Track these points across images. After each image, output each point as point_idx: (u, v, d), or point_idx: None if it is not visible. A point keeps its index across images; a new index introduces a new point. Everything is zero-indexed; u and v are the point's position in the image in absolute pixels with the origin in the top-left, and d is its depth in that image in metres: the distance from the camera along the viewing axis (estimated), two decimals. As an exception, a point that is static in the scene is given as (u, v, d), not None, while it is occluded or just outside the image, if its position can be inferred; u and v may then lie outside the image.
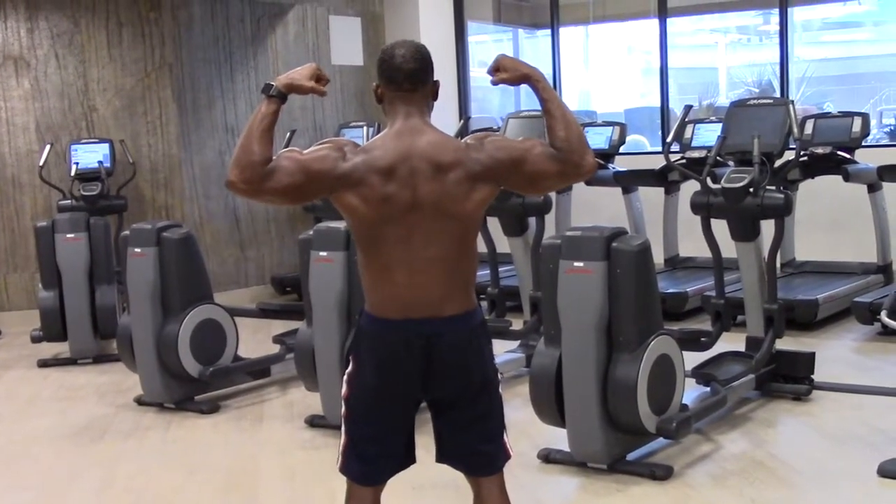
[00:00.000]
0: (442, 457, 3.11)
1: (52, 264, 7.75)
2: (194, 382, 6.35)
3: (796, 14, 10.52)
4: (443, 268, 2.92)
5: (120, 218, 9.02)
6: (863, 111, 8.29)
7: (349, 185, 2.86)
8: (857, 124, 7.87)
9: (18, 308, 9.25)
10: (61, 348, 7.92)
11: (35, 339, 7.88)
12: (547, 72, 11.31)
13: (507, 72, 3.05)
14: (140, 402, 6.45)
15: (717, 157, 6.14)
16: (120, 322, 6.82)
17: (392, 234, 2.89)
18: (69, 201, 8.84)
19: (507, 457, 3.11)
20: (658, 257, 6.63)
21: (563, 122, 2.95)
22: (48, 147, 9.01)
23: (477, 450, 3.07)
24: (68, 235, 7.72)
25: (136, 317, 6.34)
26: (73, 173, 8.92)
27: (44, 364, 7.75)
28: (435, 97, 3.04)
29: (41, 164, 8.94)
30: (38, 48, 9.31)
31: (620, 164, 8.86)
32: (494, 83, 3.10)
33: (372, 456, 3.03)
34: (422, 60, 2.99)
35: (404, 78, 2.96)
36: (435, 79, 3.04)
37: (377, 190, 2.85)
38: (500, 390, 3.10)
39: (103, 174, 8.90)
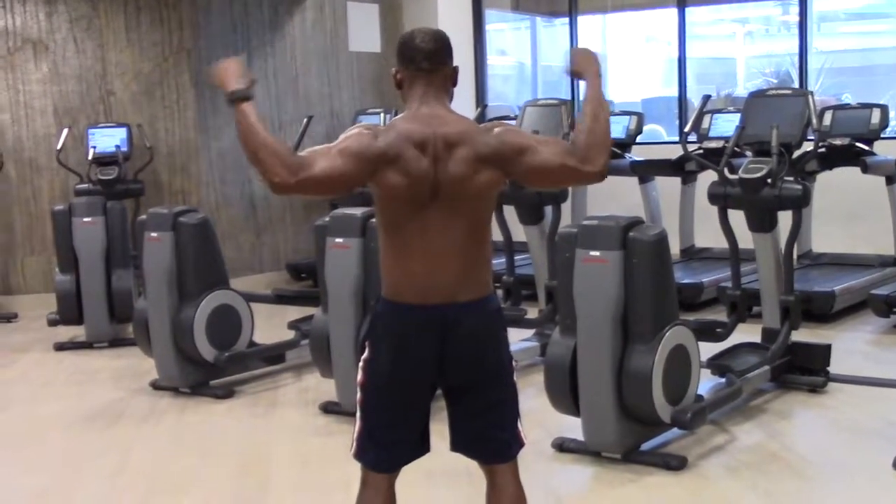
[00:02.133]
0: (456, 445, 3.11)
1: (69, 248, 7.77)
2: (209, 367, 6.37)
3: (815, 4, 10.45)
4: (459, 254, 2.93)
5: (137, 202, 9.05)
6: (882, 103, 8.24)
7: (388, 160, 2.85)
8: (875, 116, 7.83)
9: (35, 291, 9.29)
10: (77, 332, 7.95)
11: (51, 323, 7.91)
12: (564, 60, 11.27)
13: (580, 66, 3.06)
14: (155, 386, 6.48)
15: (735, 148, 6.12)
16: (136, 306, 6.84)
17: (415, 219, 2.89)
18: (86, 185, 8.88)
19: (520, 445, 3.12)
20: (674, 247, 6.60)
21: (593, 123, 2.93)
22: (66, 131, 9.04)
23: (491, 437, 3.07)
24: (85, 219, 7.74)
25: (152, 301, 6.36)
26: (90, 157, 8.95)
27: (60, 347, 7.78)
28: (454, 83, 3.05)
29: (59, 147, 8.97)
30: (56, 32, 9.33)
31: (637, 154, 8.85)
32: (572, 76, 3.12)
33: (387, 442, 3.03)
34: (441, 42, 3.00)
35: (423, 57, 2.96)
36: (454, 65, 3.04)
37: (414, 164, 2.85)
38: (515, 378, 3.10)
39: (120, 158, 8.92)
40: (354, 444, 3.07)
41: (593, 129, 2.92)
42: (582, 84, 3.08)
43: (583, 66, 3.06)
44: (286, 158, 2.79)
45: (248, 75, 2.90)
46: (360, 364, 3.06)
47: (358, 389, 3.06)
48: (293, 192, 2.85)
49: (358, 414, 3.07)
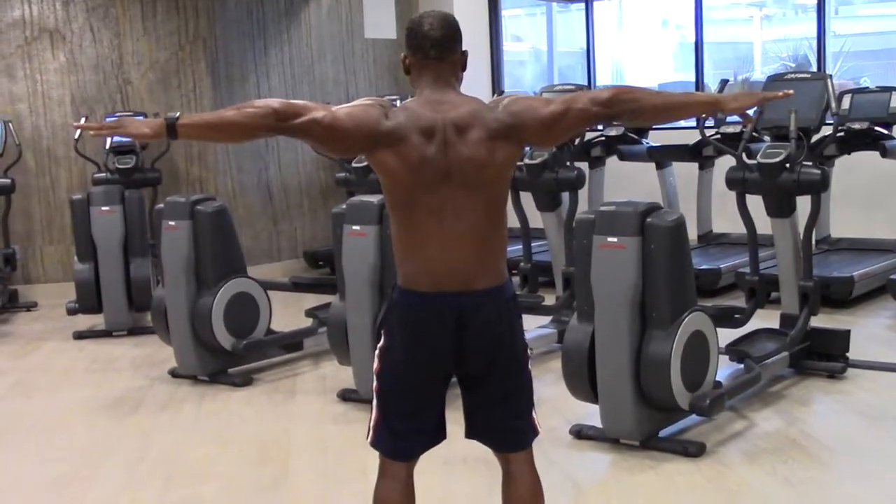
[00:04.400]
0: (471, 433, 3.11)
1: (88, 237, 7.81)
2: (228, 355, 6.39)
3: (834, -13, 10.36)
4: (475, 240, 2.91)
5: (154, 191, 9.07)
6: (901, 86, 8.17)
7: (392, 141, 2.85)
8: (895, 99, 7.77)
9: (54, 280, 9.33)
10: (96, 320, 7.99)
11: (70, 312, 7.95)
12: (580, 45, 11.26)
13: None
14: (174, 374, 6.50)
15: (753, 133, 6.09)
16: (154, 295, 6.87)
17: (426, 204, 2.88)
18: (104, 174, 8.91)
19: (535, 433, 3.11)
20: (692, 233, 6.58)
21: (675, 101, 3.04)
22: (83, 120, 9.06)
23: (506, 426, 3.07)
24: (103, 208, 7.77)
25: (170, 289, 6.37)
26: (107, 146, 8.97)
27: (79, 336, 7.83)
28: (463, 68, 3.03)
29: (76, 137, 8.99)
30: (73, 21, 9.34)
31: (654, 140, 8.81)
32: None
33: (404, 431, 3.03)
34: (449, 28, 2.98)
35: (431, 45, 2.95)
36: (464, 49, 3.02)
37: (417, 150, 2.85)
38: (531, 366, 3.09)
39: (138, 147, 8.94)
40: (371, 432, 3.07)
41: (668, 101, 3.02)
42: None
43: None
44: (270, 108, 2.85)
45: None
46: (376, 352, 3.06)
47: (374, 377, 3.06)
48: (287, 133, 2.90)
49: (374, 402, 3.07)
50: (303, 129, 2.88)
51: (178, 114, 2.91)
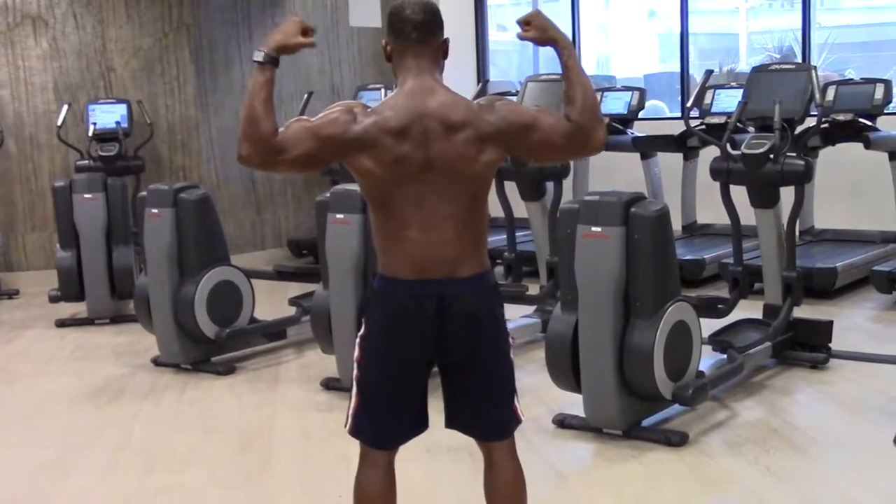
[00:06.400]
0: (452, 422, 3.09)
1: (70, 224, 7.77)
2: (210, 344, 6.37)
3: (819, -21, 10.40)
4: (455, 228, 2.89)
5: (137, 179, 9.04)
6: (885, 78, 8.19)
7: (361, 147, 2.83)
8: (879, 91, 7.79)
9: (36, 268, 9.29)
10: (79, 308, 7.96)
11: (53, 299, 7.91)
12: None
13: (536, 31, 2.97)
14: (157, 362, 6.49)
15: (738, 123, 6.09)
16: (137, 283, 6.84)
17: (405, 195, 2.86)
18: (87, 161, 8.86)
19: (517, 422, 3.10)
20: (676, 224, 6.57)
21: (581, 93, 2.89)
22: (66, 107, 9.02)
23: (487, 415, 3.05)
24: (86, 195, 7.73)
25: (152, 278, 6.35)
26: (90, 133, 8.93)
27: (61, 324, 7.80)
28: (445, 55, 3.01)
29: (59, 123, 8.94)
30: (56, 7, 9.28)
31: (639, 130, 8.81)
32: (521, 38, 3.03)
33: (384, 419, 3.02)
34: (431, 13, 2.96)
35: (412, 28, 2.93)
36: (445, 37, 3.00)
37: (389, 151, 2.82)
38: (512, 355, 3.08)
39: (121, 135, 8.91)
40: (350, 421, 3.06)
41: (585, 100, 2.88)
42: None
43: (549, 31, 2.97)
44: (260, 136, 2.77)
45: (304, 30, 2.89)
46: (357, 341, 3.04)
47: (355, 366, 3.04)
48: (258, 169, 2.89)
49: (354, 390, 3.05)
50: (271, 167, 2.86)
51: (267, 58, 2.82)
